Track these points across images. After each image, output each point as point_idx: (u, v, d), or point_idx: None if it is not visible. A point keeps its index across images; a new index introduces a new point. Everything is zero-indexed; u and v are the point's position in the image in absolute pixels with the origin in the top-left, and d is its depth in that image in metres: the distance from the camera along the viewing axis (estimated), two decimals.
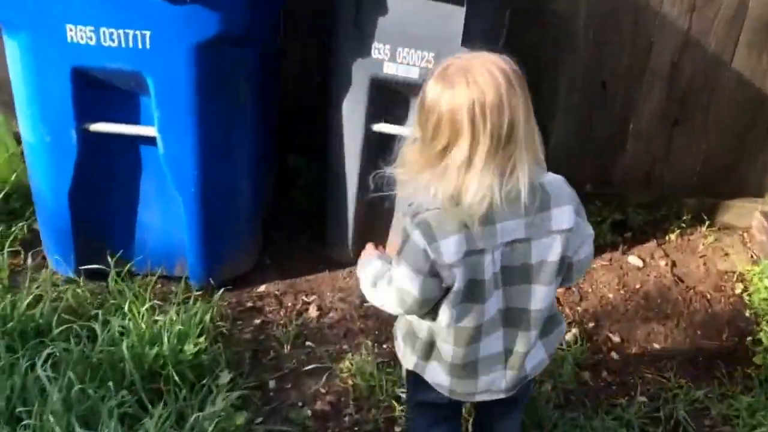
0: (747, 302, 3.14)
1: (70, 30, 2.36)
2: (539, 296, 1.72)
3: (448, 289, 1.66)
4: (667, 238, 3.44)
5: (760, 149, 3.46)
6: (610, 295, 3.11)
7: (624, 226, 3.45)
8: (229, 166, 2.73)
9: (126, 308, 2.59)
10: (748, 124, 3.39)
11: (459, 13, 2.47)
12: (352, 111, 2.75)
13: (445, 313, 1.70)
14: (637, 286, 3.17)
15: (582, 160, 3.46)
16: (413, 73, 2.61)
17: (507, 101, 1.49)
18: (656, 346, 2.92)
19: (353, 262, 3.15)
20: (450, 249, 1.58)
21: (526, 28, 3.14)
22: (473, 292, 1.66)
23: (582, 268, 1.83)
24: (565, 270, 1.74)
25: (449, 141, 1.53)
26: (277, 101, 3.16)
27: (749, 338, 2.97)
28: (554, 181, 1.70)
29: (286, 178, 3.43)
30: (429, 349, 1.84)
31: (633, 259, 3.29)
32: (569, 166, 3.50)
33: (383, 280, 1.80)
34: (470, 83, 1.49)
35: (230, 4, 2.41)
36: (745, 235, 3.53)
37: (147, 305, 2.61)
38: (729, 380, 2.79)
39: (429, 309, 1.72)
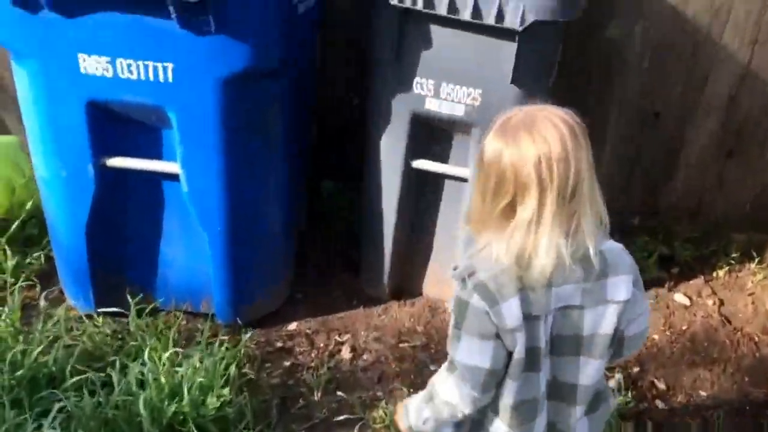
0: None
1: (84, 60, 2.07)
2: (589, 371, 1.54)
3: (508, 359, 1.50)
4: (714, 274, 3.12)
5: None
6: (656, 337, 2.79)
7: (671, 261, 3.14)
8: (258, 201, 2.43)
9: (146, 355, 2.30)
10: None
11: (510, 48, 2.14)
12: (392, 147, 2.44)
13: (508, 387, 1.52)
14: (684, 327, 2.85)
15: (630, 190, 3.17)
16: (458, 111, 2.30)
17: (573, 155, 1.36)
18: (702, 393, 2.61)
19: (388, 299, 2.90)
20: (513, 312, 1.42)
21: (578, 53, 2.82)
22: (532, 361, 1.49)
23: (635, 345, 1.62)
24: (616, 345, 1.56)
25: (514, 199, 1.39)
26: (311, 128, 2.88)
27: None
28: (614, 248, 1.53)
29: (320, 204, 3.13)
30: (476, 429, 1.62)
31: (679, 297, 2.97)
32: (617, 196, 3.26)
33: (436, 386, 1.59)
34: (535, 137, 1.36)
35: (262, 36, 2.09)
36: None
37: (169, 351, 2.32)
38: None
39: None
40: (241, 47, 2.06)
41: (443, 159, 2.47)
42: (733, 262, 3.16)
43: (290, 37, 2.25)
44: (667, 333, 2.83)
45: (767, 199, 3.16)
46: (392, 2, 2.11)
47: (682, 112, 2.98)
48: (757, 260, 3.18)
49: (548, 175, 1.35)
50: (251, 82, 2.15)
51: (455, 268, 1.50)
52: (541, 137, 1.36)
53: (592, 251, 1.43)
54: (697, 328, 2.87)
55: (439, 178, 2.52)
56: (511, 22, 2.09)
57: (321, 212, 3.13)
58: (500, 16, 2.08)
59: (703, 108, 2.96)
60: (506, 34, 2.13)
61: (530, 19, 2.07)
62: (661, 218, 3.20)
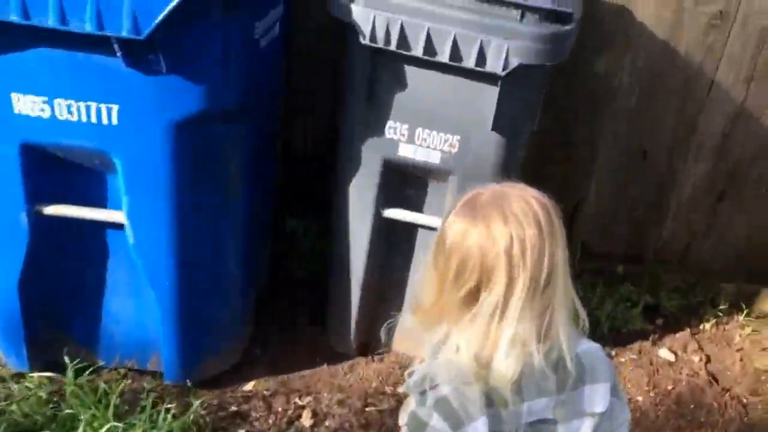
0: None
1: (18, 100, 1.85)
2: None
3: None
4: (701, 326, 2.97)
5: None
6: (640, 399, 2.63)
7: (656, 311, 2.99)
8: (213, 253, 2.24)
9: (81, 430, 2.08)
10: None
11: (491, 92, 1.98)
12: (361, 194, 2.26)
13: None
14: (669, 387, 2.69)
15: (615, 234, 3.03)
16: (434, 158, 2.13)
17: (548, 239, 1.23)
18: None
19: (355, 355, 2.69)
20: None
21: (564, 89, 2.68)
22: None
23: None
24: None
25: (478, 284, 1.24)
26: (275, 169, 2.66)
27: None
28: (590, 350, 1.37)
29: (284, 246, 2.92)
30: None
31: (664, 353, 2.81)
32: (601, 240, 3.12)
33: None
34: (508, 216, 1.22)
35: (219, 76, 1.90)
36: None
37: (108, 425, 2.08)
38: None
39: None
40: (195, 88, 1.87)
41: (417, 208, 2.30)
42: (720, 314, 3.02)
43: (251, 75, 2.08)
44: (651, 394, 2.67)
45: (758, 246, 3.05)
46: (363, 42, 1.94)
47: (672, 152, 2.86)
48: (745, 312, 3.04)
49: (520, 259, 1.21)
50: (206, 126, 1.96)
51: (410, 374, 1.35)
52: (513, 217, 1.22)
53: (567, 355, 1.28)
54: (682, 388, 2.71)
55: (412, 228, 2.35)
56: (494, 65, 1.93)
57: (285, 255, 2.92)
58: (481, 58, 1.93)
59: (695, 147, 2.84)
60: (488, 77, 1.98)
61: (514, 62, 1.92)
62: (646, 265, 3.07)
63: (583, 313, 1.32)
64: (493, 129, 2.05)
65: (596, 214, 2.99)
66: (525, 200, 1.24)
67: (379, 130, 2.14)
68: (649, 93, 2.74)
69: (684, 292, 3.05)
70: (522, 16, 1.93)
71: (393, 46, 1.95)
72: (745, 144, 2.82)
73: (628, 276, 3.03)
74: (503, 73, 1.93)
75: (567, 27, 2.00)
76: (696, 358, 2.84)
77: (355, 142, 2.20)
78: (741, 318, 3.04)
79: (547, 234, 1.22)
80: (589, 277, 2.97)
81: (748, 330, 3.00)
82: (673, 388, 2.71)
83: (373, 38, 1.95)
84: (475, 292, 1.24)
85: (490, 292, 1.22)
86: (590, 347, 1.38)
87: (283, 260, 2.92)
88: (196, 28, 1.82)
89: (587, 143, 2.85)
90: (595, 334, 2.75)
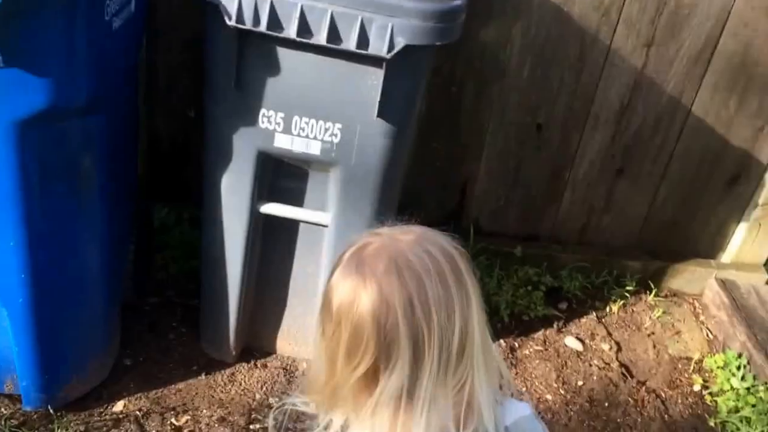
0: (710, 405, 2.94)
1: None
2: None
3: None
4: (608, 309, 3.23)
5: (714, 206, 3.29)
6: (549, 397, 2.83)
7: (559, 294, 3.24)
8: (70, 259, 2.27)
9: None
10: (704, 178, 3.21)
11: (375, 76, 2.09)
12: (235, 189, 2.33)
13: None
14: (580, 383, 2.90)
15: (509, 214, 3.24)
16: (314, 148, 2.22)
17: (458, 296, 1.15)
18: None
19: (235, 362, 2.77)
20: None
21: (448, 61, 2.83)
22: None
23: None
24: None
25: (376, 362, 1.15)
26: (136, 156, 2.66)
27: None
28: (521, 422, 1.32)
29: (153, 239, 2.96)
30: None
31: (571, 341, 3.05)
32: (494, 219, 3.35)
33: None
34: (404, 272, 1.13)
35: (65, 67, 1.91)
36: (696, 304, 3.37)
37: None
38: None
39: None
40: (38, 83, 1.88)
41: (298, 202, 2.40)
42: (627, 294, 3.28)
43: (103, 61, 2.08)
44: (561, 391, 2.87)
45: (660, 222, 3.31)
46: (229, 23, 2.00)
47: (568, 125, 3.06)
48: (654, 291, 3.32)
49: (425, 326, 1.12)
50: (54, 122, 1.98)
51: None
52: (411, 272, 1.13)
53: None
54: (594, 383, 2.93)
55: (293, 224, 2.45)
56: (377, 47, 2.03)
57: (156, 250, 2.98)
58: (363, 40, 2.02)
59: (592, 119, 3.05)
60: (371, 60, 2.07)
61: (400, 43, 2.02)
62: (544, 245, 3.29)
63: (506, 373, 1.29)
64: (378, 116, 2.15)
65: (488, 192, 3.19)
66: (424, 249, 1.16)
67: (251, 120, 2.21)
68: (542, 63, 2.91)
69: (586, 272, 3.29)
70: None
71: (263, 28, 2.01)
72: (645, 114, 3.04)
73: (526, 257, 3.23)
74: (388, 56, 2.02)
75: (457, 2, 2.12)
76: (606, 347, 3.09)
77: (224, 133, 2.26)
78: (649, 298, 3.33)
79: (456, 289, 1.15)
80: (485, 259, 3.16)
81: (658, 312, 3.27)
82: (584, 384, 2.92)
83: (240, 19, 2.00)
84: (374, 372, 1.15)
85: (392, 372, 1.13)
86: (520, 419, 1.32)
87: (152, 256, 2.98)
88: (33, 16, 1.81)
89: (475, 119, 3.01)
90: (494, 322, 3.00)
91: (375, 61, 2.07)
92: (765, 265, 3.45)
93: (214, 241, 2.48)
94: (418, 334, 1.12)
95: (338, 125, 2.21)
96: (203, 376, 2.67)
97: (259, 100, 2.18)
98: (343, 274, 1.18)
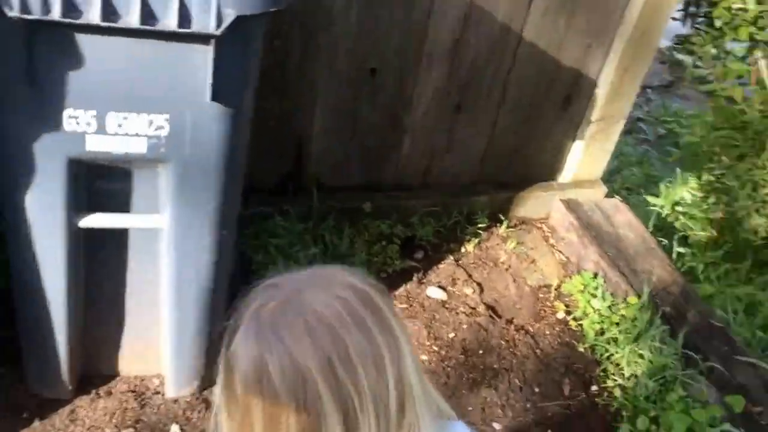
0: (576, 330, 2.78)
1: None
2: None
3: None
4: (463, 250, 2.96)
5: (551, 129, 3.07)
6: (425, 357, 2.55)
7: (413, 244, 2.92)
8: None
9: None
10: (540, 102, 2.97)
11: (204, 56, 1.61)
12: (45, 204, 1.80)
13: None
14: (452, 336, 2.64)
15: (349, 168, 2.88)
16: (138, 147, 1.72)
17: (384, 344, 0.94)
18: (496, 426, 2.42)
19: (72, 396, 2.25)
20: None
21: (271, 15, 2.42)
22: None
23: None
24: None
25: None
26: None
27: (594, 387, 2.61)
28: None
29: None
30: None
31: (434, 291, 2.76)
32: (337, 174, 2.91)
33: None
34: (314, 327, 0.91)
35: None
36: (545, 228, 3.18)
37: None
38: None
39: None
40: None
41: (125, 208, 1.90)
42: (480, 231, 3.03)
43: None
44: (435, 348, 2.60)
45: (502, 151, 3.05)
46: (10, 14, 1.46)
47: (402, 66, 2.69)
48: (504, 223, 3.10)
49: (352, 389, 0.90)
50: None
51: None
52: (324, 328, 0.92)
53: None
54: (465, 332, 2.68)
55: (122, 233, 1.96)
56: (203, 23, 1.56)
57: None
58: (185, 16, 1.54)
59: (426, 58, 2.70)
60: (197, 38, 1.59)
61: (230, 15, 1.56)
62: (391, 195, 2.95)
63: (445, 406, 1.07)
64: (213, 99, 1.69)
65: (326, 147, 2.81)
66: (333, 295, 0.95)
67: (54, 124, 1.66)
68: (370, 4, 2.52)
69: (437, 216, 3.01)
70: None
71: (56, 15, 1.48)
72: (477, 46, 2.73)
73: (375, 211, 2.90)
74: (218, 32, 1.57)
75: None
76: (468, 291, 2.84)
77: (23, 143, 1.70)
78: (501, 230, 3.09)
79: (380, 335, 0.94)
80: (333, 220, 2.82)
81: (511, 244, 3.05)
82: (456, 335, 2.67)
83: (24, 8, 1.46)
84: None
85: None
86: None
87: None
88: None
89: (304, 72, 2.59)
90: None
91: (202, 38, 1.60)
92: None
93: (27, 266, 1.92)
94: (347, 401, 0.91)
95: (165, 116, 1.71)
96: (37, 423, 2.14)
97: (60, 99, 1.63)
98: (243, 343, 0.94)
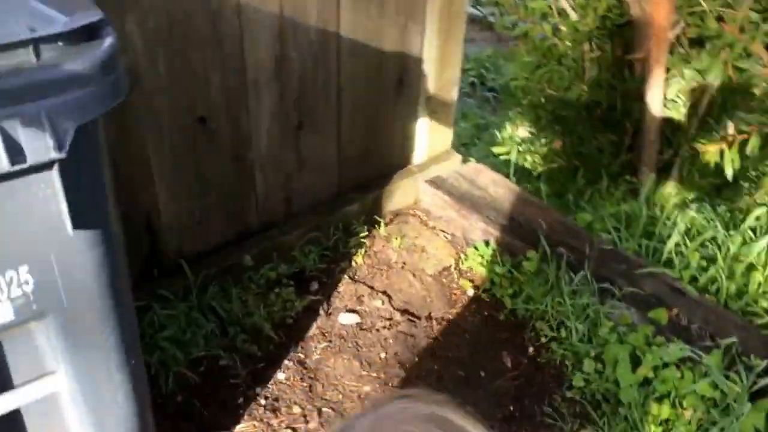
0: (490, 302, 2.59)
1: None
2: None
3: None
4: (355, 264, 2.66)
5: (393, 116, 2.81)
6: (367, 389, 2.26)
7: (304, 278, 2.59)
8: None
9: None
10: (376, 93, 2.71)
11: (48, 182, 1.21)
12: None
13: None
14: (383, 356, 2.37)
15: (209, 223, 2.48)
16: (4, 314, 1.32)
17: None
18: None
19: None
20: None
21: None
22: None
23: None
24: None
25: None
26: None
27: (530, 349, 2.45)
28: None
29: None
30: None
31: (345, 318, 2.46)
32: (196, 238, 2.50)
33: None
34: None
35: None
36: (419, 213, 2.93)
37: None
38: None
39: None
40: None
41: (5, 385, 1.50)
42: (363, 240, 2.74)
43: None
44: (373, 374, 2.31)
45: (354, 154, 2.75)
46: None
47: (230, 104, 2.30)
48: (382, 223, 2.82)
49: None
50: None
51: None
52: None
53: None
54: (393, 347, 2.41)
55: (13, 415, 1.54)
56: (39, 151, 1.15)
57: None
58: (15, 150, 1.14)
59: (252, 86, 2.32)
60: (37, 168, 1.20)
61: (70, 129, 1.20)
62: (263, 237, 2.59)
63: None
64: (75, 228, 1.34)
65: (179, 213, 2.39)
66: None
67: None
68: (176, 51, 2.13)
69: (316, 241, 2.67)
70: (37, 54, 1.24)
71: None
72: (300, 57, 2.40)
73: (255, 259, 2.53)
74: (61, 154, 1.20)
75: (107, 40, 1.28)
76: (378, 303, 2.54)
77: None
78: (381, 231, 2.82)
79: None
80: (216, 286, 2.46)
81: (396, 241, 2.79)
82: (386, 354, 2.37)
83: None
84: None
85: None
86: None
87: None
88: None
89: (129, 142, 2.18)
90: (265, 348, 2.36)
91: (43, 167, 1.23)
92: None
93: None
94: None
95: (25, 268, 1.34)
96: None
97: None
98: None
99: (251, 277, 2.52)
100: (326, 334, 2.44)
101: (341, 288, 2.59)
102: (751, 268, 2.63)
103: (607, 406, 2.26)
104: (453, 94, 2.90)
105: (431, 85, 2.81)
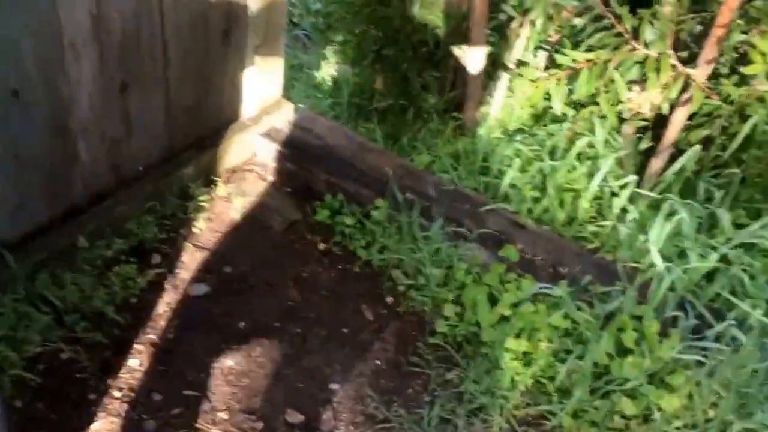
0: (343, 255, 2.45)
1: None
2: None
3: None
4: (197, 231, 2.39)
5: (223, 69, 2.50)
6: (231, 363, 2.06)
7: (143, 251, 2.29)
8: None
9: None
10: (202, 46, 2.37)
11: None
12: None
13: None
14: (240, 325, 2.16)
15: (29, 205, 2.10)
16: None
17: None
18: (334, 386, 2.08)
19: None
20: None
21: None
22: None
23: None
24: None
25: None
26: None
27: (389, 299, 2.35)
28: None
29: None
30: None
31: (198, 289, 2.22)
32: (15, 223, 2.15)
33: None
34: None
35: None
36: (257, 169, 2.66)
37: None
38: None
39: None
40: None
41: None
42: (203, 204, 2.45)
43: None
44: (243, 346, 2.11)
45: (184, 112, 2.41)
46: None
47: (46, 72, 1.91)
48: (220, 182, 2.55)
49: None
50: None
51: None
52: None
53: None
54: (255, 314, 2.21)
55: None
56: None
57: None
58: None
59: (70, 50, 1.94)
60: None
61: None
62: (94, 213, 2.23)
63: None
64: None
65: None
66: None
67: None
68: None
69: (153, 210, 2.36)
70: None
71: None
72: (122, 15, 2.04)
73: (90, 239, 2.18)
74: None
75: None
76: (228, 269, 2.31)
77: None
78: (220, 191, 2.54)
79: None
80: (47, 273, 2.08)
81: (237, 200, 2.54)
82: (247, 323, 2.17)
83: None
84: None
85: None
86: None
87: None
88: None
89: None
90: (113, 332, 2.09)
91: None
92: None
93: None
94: None
95: None
96: None
97: None
98: None
99: (86, 258, 2.18)
100: (177, 310, 2.19)
101: (186, 257, 2.33)
102: (577, 195, 2.69)
103: (469, 348, 2.23)
104: (281, 41, 2.64)
105: (259, 32, 2.52)
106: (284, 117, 2.77)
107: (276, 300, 2.29)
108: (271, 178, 2.67)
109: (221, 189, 2.56)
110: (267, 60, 2.62)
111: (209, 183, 2.55)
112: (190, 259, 2.33)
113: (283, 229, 2.50)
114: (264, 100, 2.72)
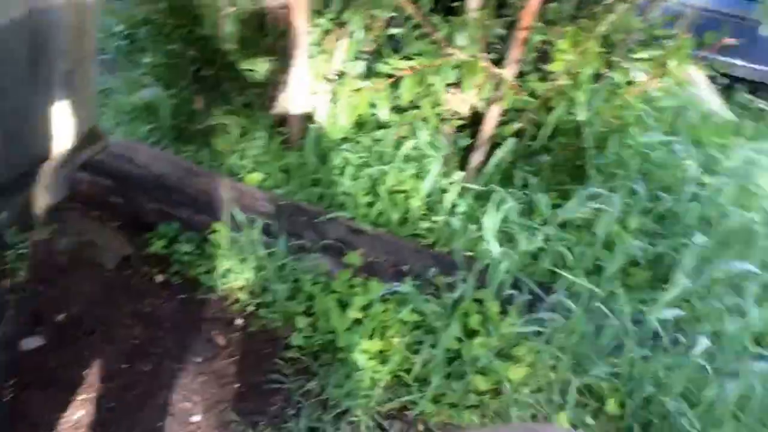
0: (183, 284, 2.33)
1: None
2: None
3: None
4: (21, 279, 2.12)
5: (30, 99, 2.21)
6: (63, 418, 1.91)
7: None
8: None
9: None
10: (8, 78, 2.11)
11: None
12: None
13: None
14: (83, 373, 1.97)
15: None
16: None
17: None
18: (196, 418, 1.95)
19: None
20: None
21: None
22: None
23: None
24: None
25: None
26: None
27: (239, 321, 2.25)
28: None
29: None
30: None
31: (27, 343, 1.96)
32: None
33: None
34: None
35: None
36: (79, 206, 2.41)
37: None
38: None
39: None
40: None
41: None
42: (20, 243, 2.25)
43: None
44: (94, 394, 1.92)
45: None
46: None
47: None
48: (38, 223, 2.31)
49: None
50: None
51: None
52: None
53: None
54: (104, 365, 2.03)
55: None
56: None
57: None
58: None
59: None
60: None
61: None
62: None
63: None
64: None
65: None
66: None
67: None
68: None
69: None
70: None
71: None
72: None
73: None
74: None
75: None
76: (61, 317, 2.14)
77: None
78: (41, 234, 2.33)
79: None
80: None
81: (64, 241, 2.31)
82: (88, 371, 2.01)
83: None
84: None
85: None
86: None
87: None
88: None
89: None
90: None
91: None
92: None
93: None
94: None
95: None
96: None
97: None
98: None
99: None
100: (10, 367, 1.95)
101: (12, 311, 2.08)
102: (408, 196, 2.73)
103: (327, 356, 2.18)
104: (93, 70, 2.45)
105: (68, 61, 2.32)
106: (101, 147, 2.57)
107: (118, 341, 2.11)
108: (95, 213, 2.47)
109: (42, 231, 2.33)
110: (80, 87, 2.42)
111: (27, 227, 2.31)
112: (18, 312, 2.11)
113: (116, 265, 2.32)
114: (78, 132, 2.50)
